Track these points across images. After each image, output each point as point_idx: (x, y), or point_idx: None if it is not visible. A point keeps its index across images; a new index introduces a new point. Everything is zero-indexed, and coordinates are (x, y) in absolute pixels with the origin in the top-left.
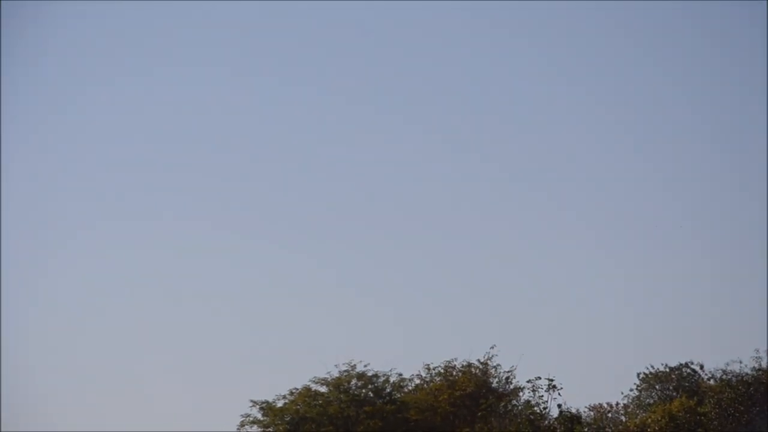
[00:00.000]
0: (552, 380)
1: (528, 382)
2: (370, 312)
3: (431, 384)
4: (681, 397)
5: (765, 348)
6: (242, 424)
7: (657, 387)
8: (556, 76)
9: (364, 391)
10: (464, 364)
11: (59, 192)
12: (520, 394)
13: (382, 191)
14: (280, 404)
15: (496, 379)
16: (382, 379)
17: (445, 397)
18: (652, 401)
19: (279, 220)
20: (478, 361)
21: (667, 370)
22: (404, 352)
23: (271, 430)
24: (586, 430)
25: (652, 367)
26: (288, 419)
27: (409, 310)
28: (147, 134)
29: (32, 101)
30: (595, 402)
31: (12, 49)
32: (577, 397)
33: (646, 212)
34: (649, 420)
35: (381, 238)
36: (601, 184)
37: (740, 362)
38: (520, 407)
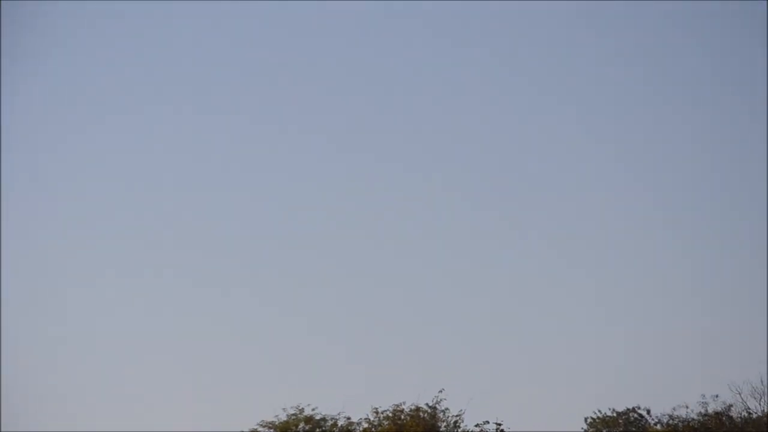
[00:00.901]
0: (500, 424)
1: (476, 426)
2: (320, 354)
3: (379, 428)
4: None
5: (711, 393)
6: None
7: (604, 431)
8: (555, 76)
9: None
10: (412, 407)
11: (59, 193)
12: None
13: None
14: None
15: (445, 423)
16: (330, 422)
17: None
18: None
19: (222, 257)
20: (427, 405)
21: (615, 414)
22: (353, 395)
23: None
24: None
25: (600, 411)
26: None
27: (359, 353)
28: (147, 134)
29: (32, 101)
30: None
31: (12, 49)
32: None
33: (603, 246)
34: None
35: (332, 277)
36: (557, 212)
37: (687, 407)
38: None
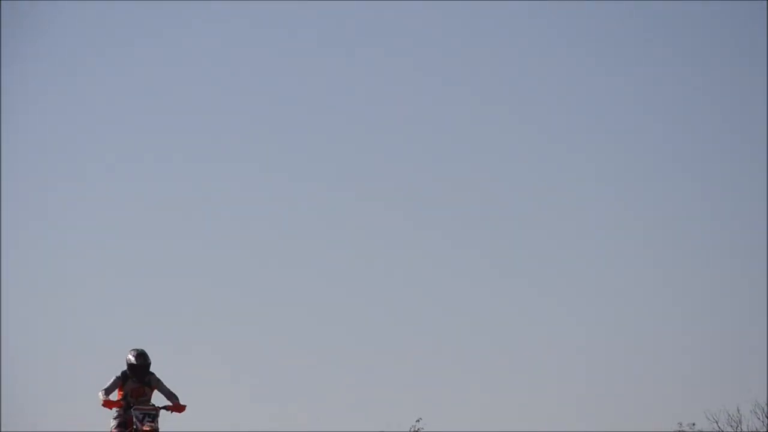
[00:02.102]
0: None
1: None
2: (298, 379)
3: None
4: None
5: (687, 422)
6: None
7: None
8: (553, 76)
9: None
10: None
11: (59, 193)
12: None
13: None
14: None
15: None
16: None
17: None
18: None
19: (223, 258)
20: None
21: None
22: (329, 422)
23: None
24: None
25: None
26: None
27: (336, 379)
28: (148, 133)
29: (32, 101)
30: None
31: (12, 50)
32: None
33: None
34: None
35: (312, 296)
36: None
37: None
38: None
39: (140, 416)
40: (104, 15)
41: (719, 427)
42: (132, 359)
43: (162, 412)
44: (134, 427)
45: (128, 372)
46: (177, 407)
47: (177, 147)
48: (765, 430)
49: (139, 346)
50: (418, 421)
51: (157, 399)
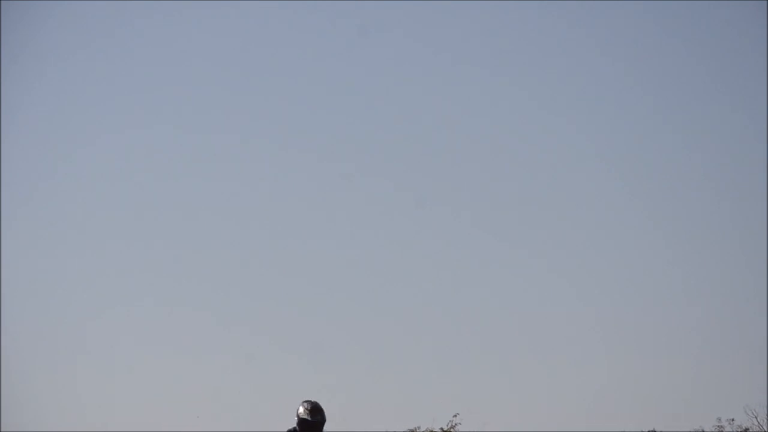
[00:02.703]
0: None
1: None
2: (332, 376)
3: None
4: None
5: (726, 417)
6: None
7: None
8: (552, 76)
9: None
10: (427, 431)
11: (59, 193)
12: None
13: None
14: None
15: None
16: None
17: None
18: None
19: (225, 258)
20: (441, 429)
21: None
22: (365, 418)
23: None
24: None
25: None
26: None
27: (372, 375)
28: (149, 137)
29: (32, 101)
30: None
31: (12, 50)
32: None
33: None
34: None
35: (342, 299)
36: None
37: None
38: None
39: None
40: (103, 15)
41: (758, 423)
42: (305, 415)
43: None
44: None
45: (298, 429)
46: None
47: (176, 146)
48: None
49: (312, 398)
50: (455, 416)
51: None
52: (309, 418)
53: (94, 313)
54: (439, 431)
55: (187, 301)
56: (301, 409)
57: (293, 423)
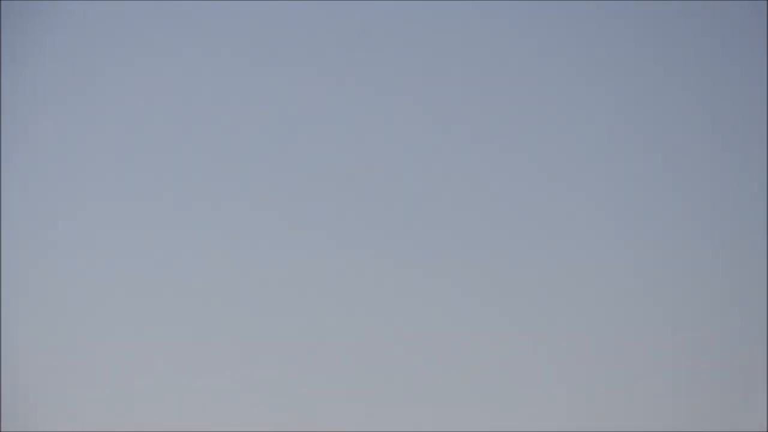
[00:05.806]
0: None
1: None
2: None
3: None
4: None
5: None
6: None
7: None
8: (552, 76)
9: None
10: None
11: (59, 193)
12: None
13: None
14: None
15: None
16: None
17: None
18: None
19: (227, 260)
20: None
21: None
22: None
23: None
24: None
25: None
26: None
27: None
28: (149, 135)
29: (31, 101)
30: None
31: (12, 50)
32: None
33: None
34: None
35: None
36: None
37: None
38: None
39: None
40: (104, 15)
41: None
42: None
43: None
44: None
45: None
46: None
47: (177, 147)
48: None
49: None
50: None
51: None
52: None
53: (94, 313)
54: None
55: (188, 301)
56: None
57: None
